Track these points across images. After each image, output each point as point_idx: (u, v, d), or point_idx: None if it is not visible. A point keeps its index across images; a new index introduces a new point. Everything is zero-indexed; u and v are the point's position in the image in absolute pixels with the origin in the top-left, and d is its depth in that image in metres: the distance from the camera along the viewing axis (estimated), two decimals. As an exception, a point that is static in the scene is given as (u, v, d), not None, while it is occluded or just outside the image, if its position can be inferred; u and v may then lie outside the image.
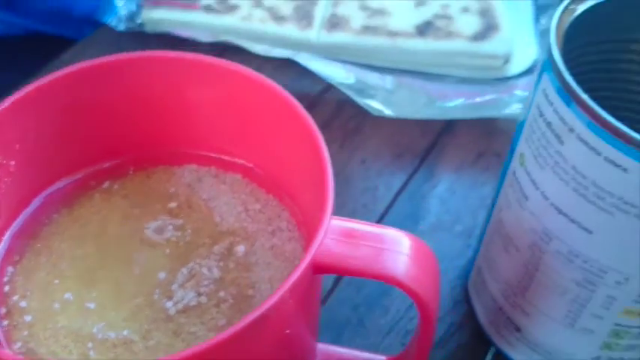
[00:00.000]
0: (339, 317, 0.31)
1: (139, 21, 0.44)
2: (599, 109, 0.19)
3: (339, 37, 0.41)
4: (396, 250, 0.19)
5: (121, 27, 0.44)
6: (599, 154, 0.20)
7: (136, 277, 0.23)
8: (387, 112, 0.37)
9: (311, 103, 0.40)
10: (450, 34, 0.41)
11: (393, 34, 0.41)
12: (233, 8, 0.43)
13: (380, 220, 0.35)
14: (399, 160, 0.38)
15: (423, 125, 0.39)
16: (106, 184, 0.26)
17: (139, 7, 0.44)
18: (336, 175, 0.36)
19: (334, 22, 0.42)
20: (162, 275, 0.23)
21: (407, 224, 0.34)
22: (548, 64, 0.21)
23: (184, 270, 0.23)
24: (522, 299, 0.26)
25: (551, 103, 0.21)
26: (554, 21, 0.22)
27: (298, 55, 0.38)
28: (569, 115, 0.20)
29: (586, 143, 0.20)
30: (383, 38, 0.41)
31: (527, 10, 0.44)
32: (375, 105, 0.37)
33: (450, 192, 0.36)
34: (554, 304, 0.25)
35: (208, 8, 0.43)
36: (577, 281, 0.23)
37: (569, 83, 0.20)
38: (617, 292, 0.22)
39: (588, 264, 0.22)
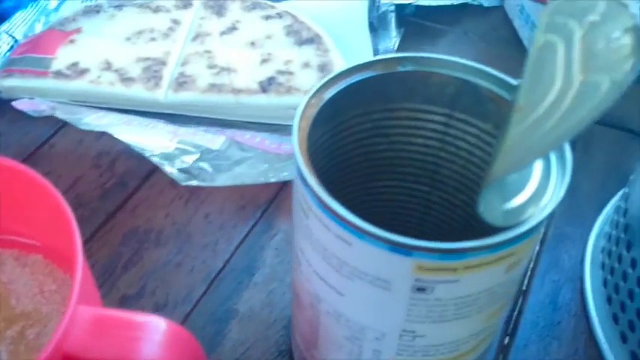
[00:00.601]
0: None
1: (-7, 89, 0.45)
2: (323, 193, 0.21)
3: (186, 96, 0.43)
4: (148, 338, 0.21)
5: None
6: (330, 230, 0.22)
7: None
8: (204, 182, 0.38)
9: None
10: (289, 90, 0.43)
11: (237, 91, 0.43)
12: (83, 72, 0.44)
13: (217, 276, 0.36)
14: (242, 212, 0.40)
15: (266, 177, 0.41)
16: None
17: (-5, 75, 0.45)
18: (179, 233, 0.39)
19: (181, 82, 0.44)
20: (-46, 363, 0.24)
21: (242, 277, 0.36)
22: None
23: (-24, 356, 0.24)
24: (316, 351, 0.28)
25: (297, 183, 0.23)
26: (298, 111, 0.24)
27: (116, 128, 0.39)
28: (307, 195, 0.22)
29: (321, 220, 0.22)
30: (227, 95, 0.43)
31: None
32: (184, 176, 0.38)
33: (286, 242, 0.38)
34: (338, 356, 0.27)
35: (59, 74, 0.44)
36: (347, 337, 0.25)
37: (301, 169, 0.22)
38: (380, 346, 0.25)
39: (350, 323, 0.25)
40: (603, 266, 0.35)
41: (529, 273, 0.37)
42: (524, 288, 0.36)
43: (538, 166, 0.23)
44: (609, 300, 0.34)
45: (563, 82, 0.18)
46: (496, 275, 0.22)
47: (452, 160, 0.29)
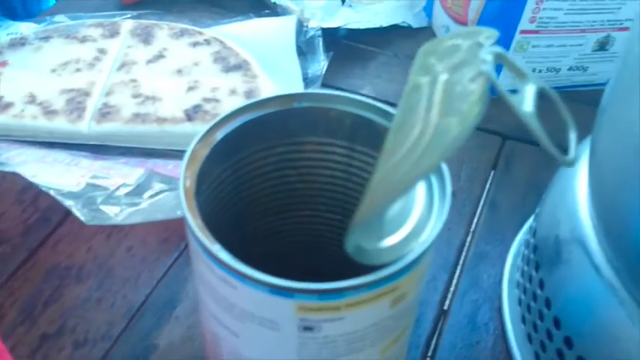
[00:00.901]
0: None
1: None
2: (205, 240, 0.22)
3: (109, 127, 0.43)
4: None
5: None
6: (215, 273, 0.22)
7: None
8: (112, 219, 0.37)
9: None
10: (215, 117, 0.43)
11: (161, 120, 0.43)
12: (7, 106, 0.44)
13: (138, 311, 0.36)
14: (165, 244, 0.40)
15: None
16: None
17: None
18: (100, 268, 0.38)
19: (105, 112, 0.43)
20: None
21: (163, 311, 0.36)
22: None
23: None
24: (225, 388, 0.28)
25: (186, 227, 0.23)
26: (186, 154, 0.24)
27: (27, 167, 0.39)
28: (192, 239, 0.23)
29: (207, 265, 0.22)
30: (151, 125, 0.43)
31: (299, 88, 0.47)
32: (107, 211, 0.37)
33: (210, 273, 0.38)
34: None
35: (-19, 108, 0.43)
36: (249, 375, 0.25)
37: (185, 213, 0.22)
38: (281, 382, 0.25)
39: (249, 361, 0.25)
40: (518, 285, 0.36)
41: (451, 292, 0.38)
42: (445, 308, 0.37)
43: (421, 198, 0.23)
44: (524, 319, 0.34)
45: (423, 125, 0.19)
46: (381, 310, 0.22)
47: (359, 190, 0.30)
